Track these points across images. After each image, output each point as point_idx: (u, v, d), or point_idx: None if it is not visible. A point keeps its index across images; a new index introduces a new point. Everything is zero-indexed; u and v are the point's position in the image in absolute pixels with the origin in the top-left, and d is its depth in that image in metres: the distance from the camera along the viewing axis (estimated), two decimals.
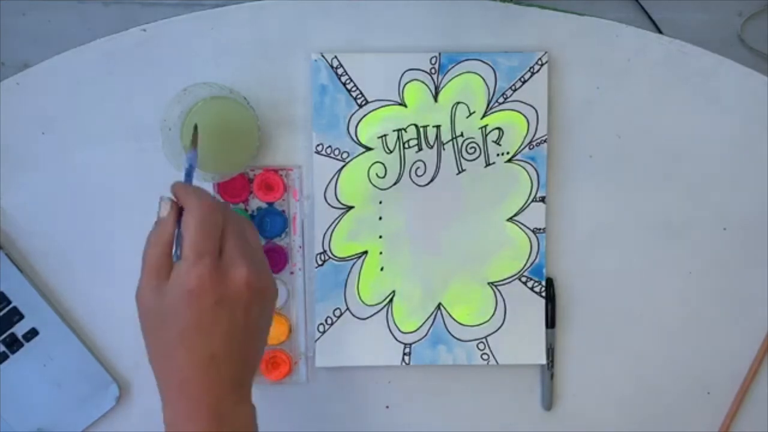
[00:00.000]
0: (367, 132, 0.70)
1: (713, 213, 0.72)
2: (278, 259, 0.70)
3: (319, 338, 0.71)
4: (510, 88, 0.70)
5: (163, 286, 0.51)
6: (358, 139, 0.70)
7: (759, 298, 0.72)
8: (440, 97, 0.70)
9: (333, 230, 0.70)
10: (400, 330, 0.71)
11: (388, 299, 0.71)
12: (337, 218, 0.70)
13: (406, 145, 0.70)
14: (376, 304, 0.71)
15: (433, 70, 0.70)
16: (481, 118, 0.70)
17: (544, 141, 0.70)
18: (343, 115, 0.70)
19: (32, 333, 0.70)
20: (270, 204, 0.71)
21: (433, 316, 0.71)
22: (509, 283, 0.71)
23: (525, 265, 0.71)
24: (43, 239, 0.70)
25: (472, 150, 0.70)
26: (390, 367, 0.72)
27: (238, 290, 0.52)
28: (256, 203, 0.71)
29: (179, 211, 0.53)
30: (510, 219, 0.71)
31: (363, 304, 0.71)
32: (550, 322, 0.71)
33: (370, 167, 0.70)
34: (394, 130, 0.70)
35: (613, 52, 0.71)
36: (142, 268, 0.53)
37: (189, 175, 0.58)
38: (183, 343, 0.51)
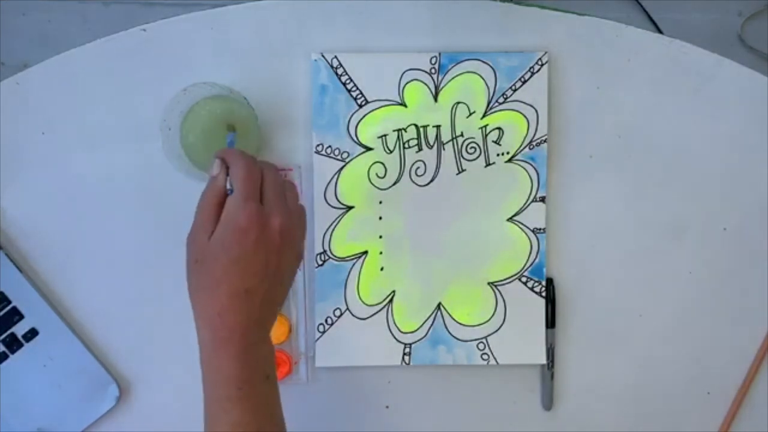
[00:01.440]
0: (367, 132, 0.70)
1: (713, 213, 0.72)
2: None
3: (319, 338, 0.71)
4: (510, 88, 0.70)
5: (213, 229, 0.58)
6: (358, 139, 0.70)
7: (759, 298, 0.72)
8: (440, 97, 0.70)
9: (333, 230, 0.70)
10: (400, 330, 0.71)
11: (388, 299, 0.71)
12: (337, 218, 0.70)
13: (406, 145, 0.70)
14: (376, 304, 0.71)
15: (433, 70, 0.70)
16: (481, 118, 0.70)
17: (544, 141, 0.70)
18: (343, 115, 0.70)
19: (32, 333, 0.70)
20: None
21: (433, 316, 0.71)
22: (509, 283, 0.71)
23: (525, 265, 0.71)
24: (43, 239, 0.70)
25: (472, 150, 0.70)
26: (390, 367, 0.72)
27: (274, 235, 0.57)
28: None
29: (227, 169, 0.60)
30: (510, 219, 0.71)
31: (363, 304, 0.71)
32: (550, 322, 0.71)
33: (370, 167, 0.70)
34: (394, 130, 0.70)
35: (613, 52, 0.71)
36: (195, 217, 0.59)
37: (231, 145, 0.65)
38: (226, 275, 0.56)
